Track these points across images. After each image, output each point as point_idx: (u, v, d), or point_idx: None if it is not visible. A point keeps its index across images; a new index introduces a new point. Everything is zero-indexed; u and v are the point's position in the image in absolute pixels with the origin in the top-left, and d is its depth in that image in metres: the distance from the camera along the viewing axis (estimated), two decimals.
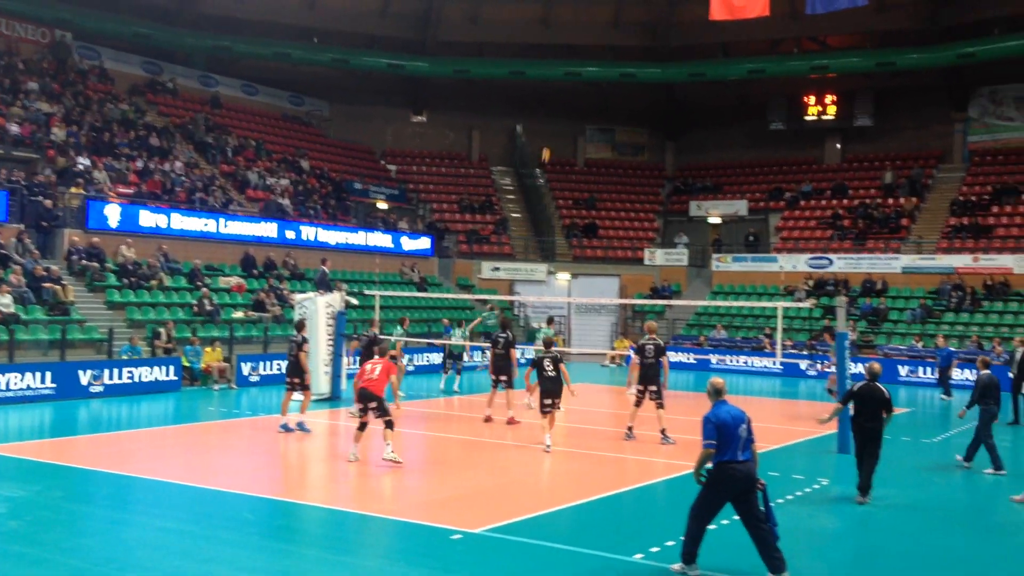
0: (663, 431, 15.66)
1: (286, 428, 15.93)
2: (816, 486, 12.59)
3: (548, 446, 14.53)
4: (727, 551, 8.92)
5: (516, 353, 18.51)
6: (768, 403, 22.72)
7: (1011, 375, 20.29)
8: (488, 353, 19.68)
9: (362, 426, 13.57)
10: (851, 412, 12.00)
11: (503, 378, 18.09)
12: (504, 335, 18.41)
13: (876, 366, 12.17)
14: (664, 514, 11.25)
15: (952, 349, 26.20)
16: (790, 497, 11.56)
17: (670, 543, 9.38)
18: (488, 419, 17.86)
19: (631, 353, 26.51)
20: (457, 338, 24.14)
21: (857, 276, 35.67)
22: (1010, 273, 33.14)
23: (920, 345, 30.50)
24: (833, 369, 20.91)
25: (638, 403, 16.07)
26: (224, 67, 41.19)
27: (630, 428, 16.07)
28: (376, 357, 13.98)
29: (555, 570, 8.62)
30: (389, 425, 13.22)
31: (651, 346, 16.00)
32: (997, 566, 9.39)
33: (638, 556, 9.01)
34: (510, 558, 8.99)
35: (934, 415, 22.11)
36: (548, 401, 14.83)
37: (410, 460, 13.82)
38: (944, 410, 22.74)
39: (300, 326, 16.90)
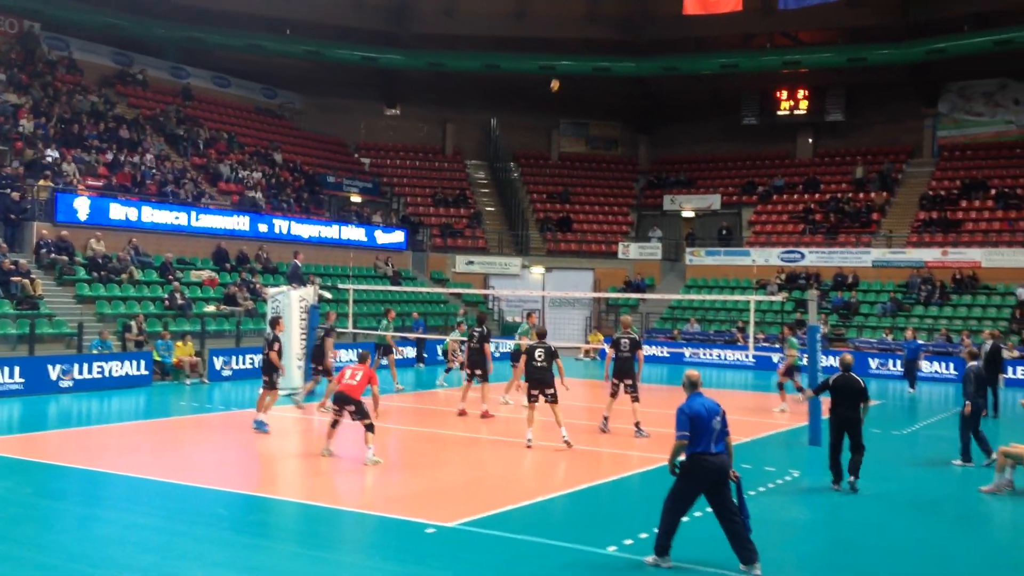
0: (637, 424, 15.72)
1: (259, 426, 15.79)
2: (788, 477, 12.70)
3: (566, 440, 14.22)
4: (700, 543, 8.98)
5: (490, 348, 18.47)
6: (740, 396, 22.88)
7: (979, 367, 20.48)
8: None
9: (334, 423, 13.41)
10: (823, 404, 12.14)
11: (478, 372, 18.09)
12: (479, 329, 18.41)
13: (848, 357, 12.33)
14: (638, 507, 11.31)
15: (920, 342, 26.45)
16: (762, 489, 11.66)
17: (644, 535, 9.43)
18: (462, 412, 17.87)
19: (605, 346, 26.62)
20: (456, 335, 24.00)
21: (828, 270, 35.99)
22: (978, 267, 33.58)
23: (890, 338, 30.82)
24: (779, 359, 21.14)
25: (613, 394, 16.15)
26: (196, 59, 40.82)
27: (605, 418, 16.13)
28: (356, 363, 13.64)
29: (529, 563, 8.65)
30: (370, 428, 12.98)
31: (626, 340, 16.07)
32: (965, 555, 9.52)
33: (611, 548, 9.05)
34: (484, 551, 9.01)
35: (904, 407, 22.36)
36: (535, 392, 14.66)
37: (384, 454, 13.78)
38: (912, 403, 22.98)
39: (273, 323, 16.78)
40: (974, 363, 14.58)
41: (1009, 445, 12.62)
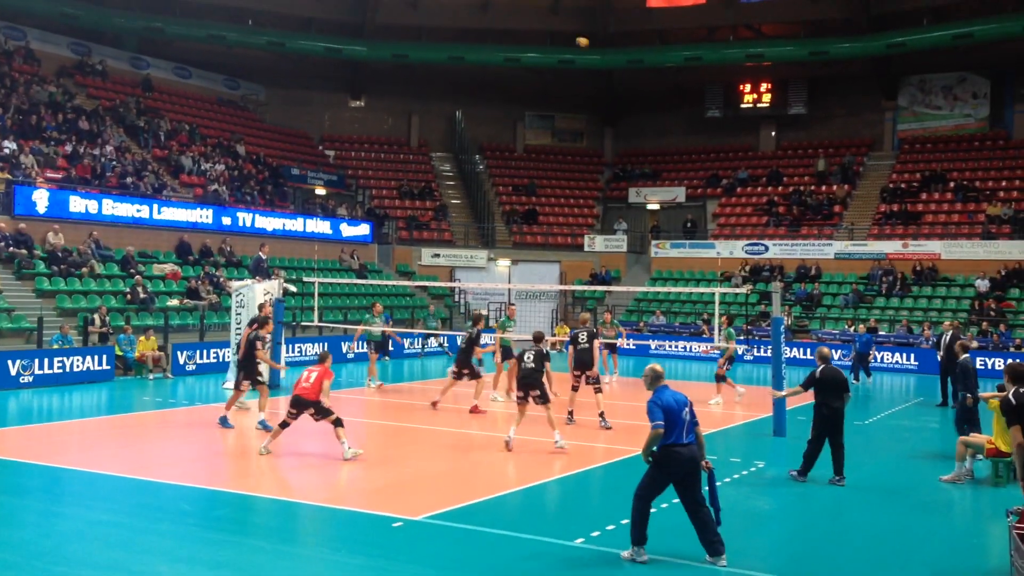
0: (601, 414, 15.88)
1: (264, 425, 15.33)
2: (753, 468, 12.83)
3: (560, 445, 13.83)
4: (670, 535, 9.04)
5: (480, 349, 18.65)
6: (707, 387, 22.97)
7: (939, 358, 20.73)
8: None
9: (284, 424, 13.22)
10: (786, 394, 12.15)
11: (465, 372, 17.79)
12: (472, 330, 18.35)
13: (826, 349, 12.34)
14: (604, 499, 11.36)
15: (870, 335, 26.62)
16: (727, 480, 11.77)
17: (611, 527, 9.49)
18: (434, 404, 17.79)
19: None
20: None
21: (792, 262, 36.36)
22: (938, 259, 34.08)
23: (852, 329, 31.18)
24: (716, 351, 21.36)
25: (575, 388, 16.41)
26: (156, 49, 40.28)
27: (570, 413, 16.28)
28: (315, 365, 13.30)
29: (496, 556, 8.66)
30: (338, 424, 12.81)
31: (584, 333, 16.45)
32: (924, 542, 9.68)
33: (579, 541, 9.10)
34: (451, 544, 9.01)
35: (866, 398, 22.65)
36: (522, 393, 14.26)
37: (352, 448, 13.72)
38: (870, 393, 23.25)
39: (262, 323, 16.50)
40: (966, 356, 14.78)
41: (969, 435, 12.85)
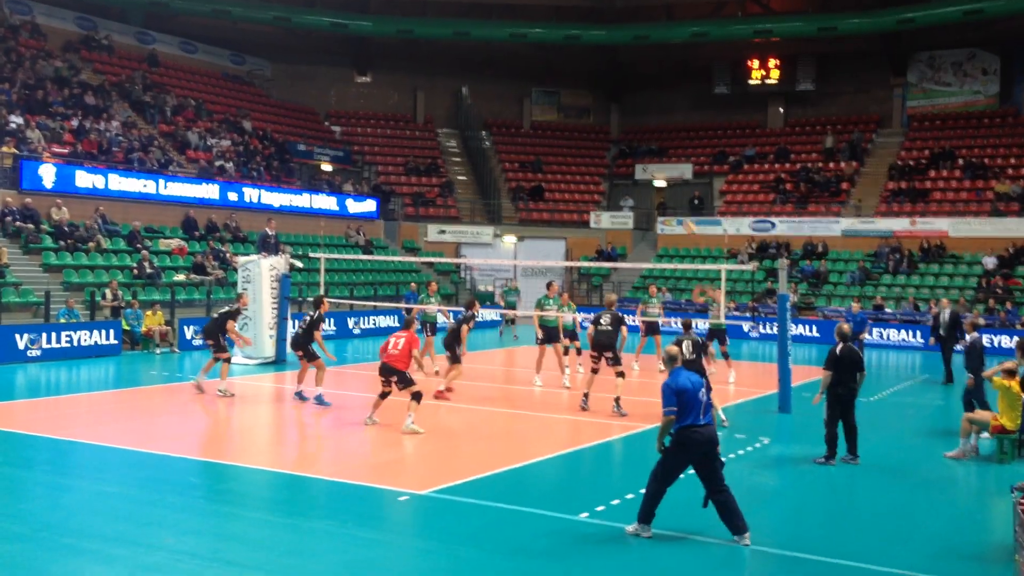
0: (617, 400, 14.93)
1: (301, 396, 15.59)
2: (758, 444, 12.85)
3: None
4: (672, 510, 9.07)
5: (466, 329, 17.77)
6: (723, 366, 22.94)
7: (942, 334, 20.40)
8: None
9: (383, 395, 13.34)
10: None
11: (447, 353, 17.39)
12: (467, 312, 17.92)
13: (845, 326, 12.08)
14: (610, 474, 11.40)
15: (865, 313, 26.48)
16: (732, 456, 11.79)
17: (615, 502, 9.54)
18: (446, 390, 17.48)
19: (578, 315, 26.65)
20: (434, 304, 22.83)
21: (798, 239, 36.25)
22: (945, 236, 33.95)
23: (858, 306, 31.10)
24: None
25: (595, 370, 15.36)
26: (161, 23, 40.10)
27: (585, 396, 15.39)
28: (400, 331, 13.50)
29: (501, 530, 8.71)
30: (416, 397, 12.90)
31: (607, 316, 15.40)
32: (929, 518, 9.71)
33: (583, 515, 9.13)
34: (456, 518, 9.06)
35: (871, 375, 22.62)
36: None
37: (358, 423, 13.80)
38: (877, 370, 23.24)
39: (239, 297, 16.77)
40: (975, 335, 14.71)
41: (974, 411, 12.85)
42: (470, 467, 11.13)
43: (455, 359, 16.95)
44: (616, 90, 47.75)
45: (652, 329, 21.55)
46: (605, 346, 15.17)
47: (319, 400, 15.21)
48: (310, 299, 18.13)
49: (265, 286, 20.99)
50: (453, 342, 17.13)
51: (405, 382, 13.04)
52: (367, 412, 13.62)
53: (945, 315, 20.17)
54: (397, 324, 28.57)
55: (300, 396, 15.68)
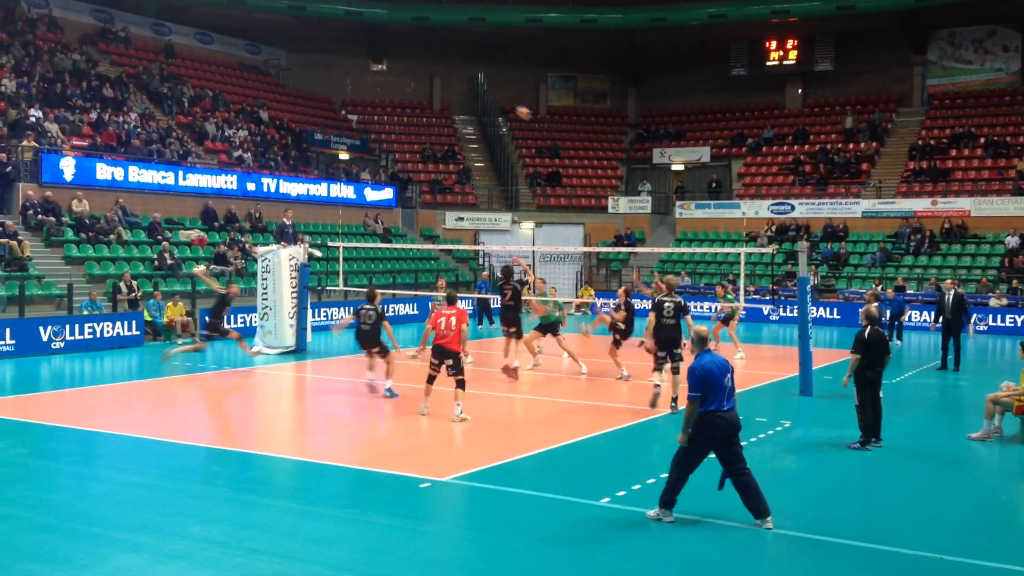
0: (675, 399, 13.63)
1: (391, 392, 15.03)
2: (779, 428, 12.81)
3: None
4: (694, 494, 9.05)
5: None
6: (732, 348, 22.92)
7: (947, 317, 19.22)
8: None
9: (431, 379, 13.05)
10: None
11: (512, 329, 17.39)
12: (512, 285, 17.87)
13: (874, 309, 11.90)
14: (630, 459, 11.39)
15: (901, 298, 26.31)
16: (753, 439, 11.75)
17: (636, 487, 9.53)
18: (506, 369, 17.02)
19: (596, 301, 26.60)
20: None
21: (818, 221, 36.02)
22: (967, 216, 33.64)
23: (879, 288, 30.93)
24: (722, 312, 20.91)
25: (658, 368, 14.10)
26: (177, 14, 40.21)
27: (656, 395, 14.03)
28: (447, 306, 13.08)
29: (522, 515, 8.72)
30: (461, 385, 12.70)
31: (670, 304, 13.75)
32: (952, 500, 9.65)
33: (605, 500, 9.13)
34: (478, 505, 9.09)
35: (893, 356, 22.50)
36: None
37: (380, 410, 13.85)
38: (901, 352, 23.08)
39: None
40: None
41: (999, 390, 12.74)
42: (491, 454, 11.15)
43: (519, 334, 17.29)
44: (633, 74, 47.52)
45: (727, 320, 21.00)
46: (675, 342, 13.74)
47: (389, 392, 14.85)
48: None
49: (285, 276, 21.07)
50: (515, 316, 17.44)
51: (457, 369, 12.72)
52: (384, 398, 13.64)
53: (949, 297, 19.27)
54: (416, 311, 28.66)
55: (373, 387, 15.31)
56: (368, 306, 15.11)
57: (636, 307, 17.48)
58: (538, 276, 20.67)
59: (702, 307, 32.16)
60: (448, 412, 12.99)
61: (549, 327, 17.90)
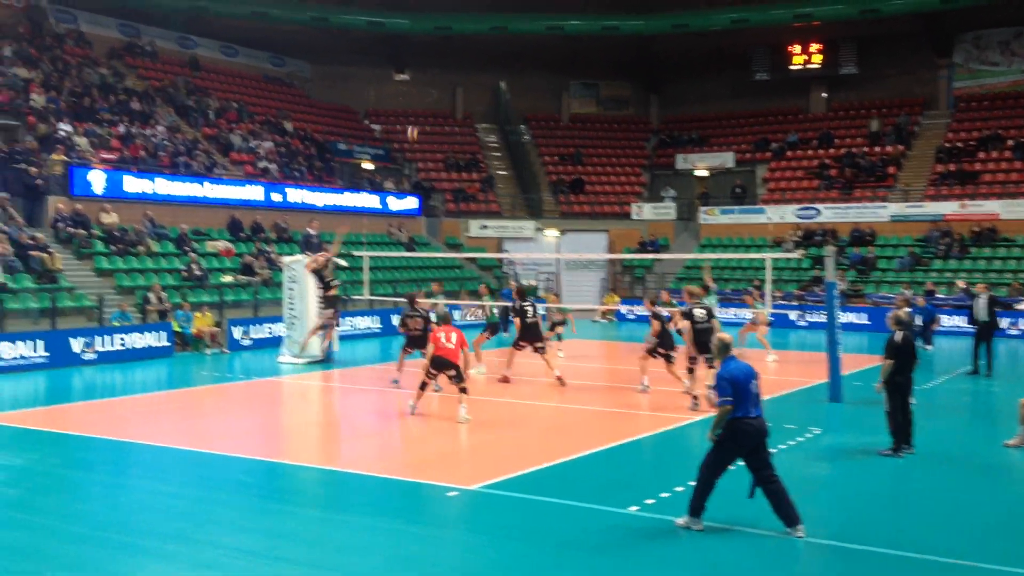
0: (696, 398, 14.24)
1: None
2: (808, 435, 12.71)
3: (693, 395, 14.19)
4: (723, 502, 9.00)
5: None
6: (759, 353, 22.81)
7: (980, 320, 19.00)
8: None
9: (423, 385, 13.78)
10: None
11: (538, 344, 17.65)
12: (532, 302, 18.29)
13: (903, 314, 11.78)
14: (658, 467, 11.35)
15: (932, 305, 26.03)
16: (783, 446, 11.67)
17: (665, 495, 9.49)
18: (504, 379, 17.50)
19: (620, 308, 26.53)
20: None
21: (845, 226, 35.76)
22: (997, 219, 33.27)
23: (909, 293, 30.65)
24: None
25: (691, 369, 14.76)
26: (202, 28, 40.59)
27: (695, 398, 14.38)
28: (441, 324, 14.02)
29: (550, 524, 8.70)
30: (464, 391, 13.45)
31: (701, 310, 14.69)
32: (986, 507, 9.53)
33: (633, 508, 9.10)
34: (505, 513, 9.08)
35: (925, 361, 22.28)
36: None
37: (406, 419, 13.89)
38: (933, 358, 22.84)
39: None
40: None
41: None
42: (519, 462, 11.14)
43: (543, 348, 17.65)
44: (655, 80, 47.43)
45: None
46: (708, 345, 13.52)
47: (437, 387, 15.34)
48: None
49: (311, 286, 21.17)
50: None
51: (459, 377, 13.49)
52: (417, 410, 13.67)
53: (982, 301, 18.95)
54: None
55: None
56: (411, 312, 16.37)
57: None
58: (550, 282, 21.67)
59: (727, 313, 32.01)
60: (476, 419, 13.01)
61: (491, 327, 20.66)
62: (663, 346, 15.69)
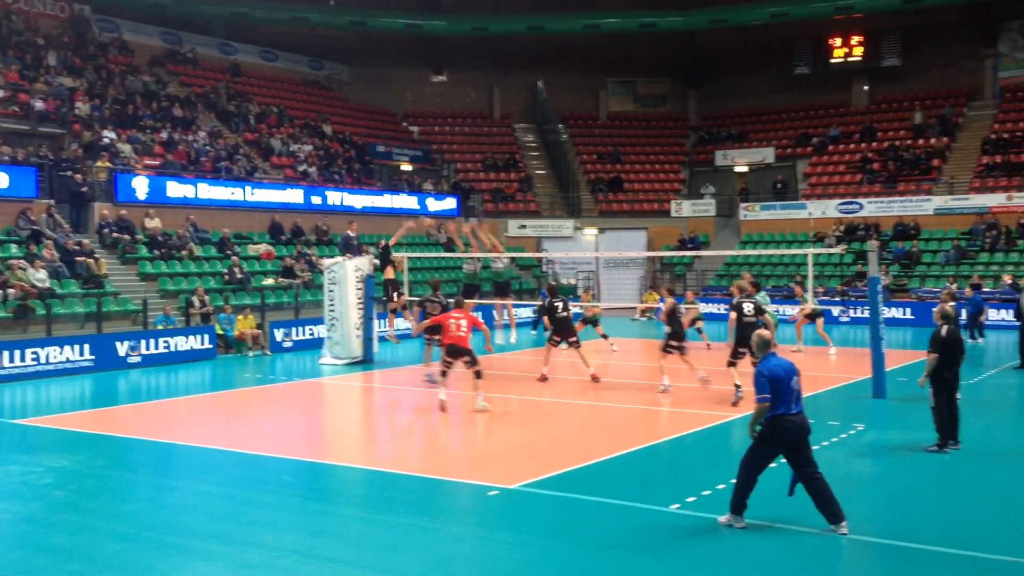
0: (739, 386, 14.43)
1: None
2: (852, 431, 12.54)
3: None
4: (765, 499, 8.91)
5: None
6: (820, 349, 22.57)
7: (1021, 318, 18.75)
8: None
9: (444, 373, 14.30)
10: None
11: (571, 339, 17.61)
12: (564, 298, 18.23)
13: (948, 308, 11.57)
14: (699, 464, 11.26)
15: (980, 297, 25.60)
16: (826, 443, 11.53)
17: (706, 492, 9.42)
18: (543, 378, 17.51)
19: (660, 306, 26.38)
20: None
21: (888, 220, 35.25)
22: None
23: (955, 287, 30.15)
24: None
25: (732, 364, 14.76)
26: (242, 34, 41.08)
27: (738, 386, 14.54)
28: (454, 310, 14.55)
29: (592, 522, 8.67)
30: (479, 375, 13.96)
31: (750, 304, 14.67)
32: None
33: (675, 507, 9.04)
34: (547, 512, 9.06)
35: (970, 357, 21.88)
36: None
37: (446, 419, 13.93)
38: (979, 352, 22.44)
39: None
40: None
41: None
42: (559, 460, 11.12)
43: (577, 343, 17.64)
44: (693, 76, 47.11)
45: (811, 316, 21.89)
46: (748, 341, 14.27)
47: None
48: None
49: (351, 287, 21.32)
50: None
51: (473, 361, 13.98)
52: (455, 409, 13.71)
53: None
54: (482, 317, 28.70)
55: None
56: (433, 297, 16.95)
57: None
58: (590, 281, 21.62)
59: (769, 309, 31.69)
60: (516, 418, 13.01)
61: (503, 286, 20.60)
62: (675, 337, 15.79)
